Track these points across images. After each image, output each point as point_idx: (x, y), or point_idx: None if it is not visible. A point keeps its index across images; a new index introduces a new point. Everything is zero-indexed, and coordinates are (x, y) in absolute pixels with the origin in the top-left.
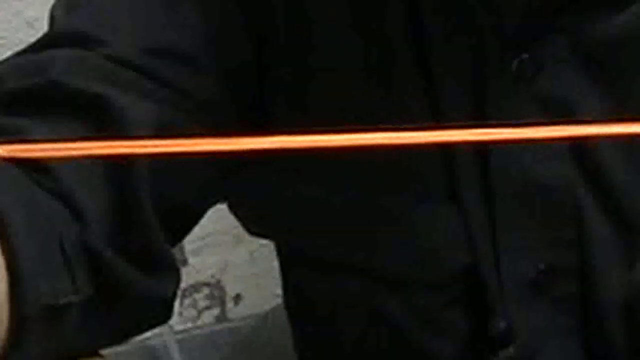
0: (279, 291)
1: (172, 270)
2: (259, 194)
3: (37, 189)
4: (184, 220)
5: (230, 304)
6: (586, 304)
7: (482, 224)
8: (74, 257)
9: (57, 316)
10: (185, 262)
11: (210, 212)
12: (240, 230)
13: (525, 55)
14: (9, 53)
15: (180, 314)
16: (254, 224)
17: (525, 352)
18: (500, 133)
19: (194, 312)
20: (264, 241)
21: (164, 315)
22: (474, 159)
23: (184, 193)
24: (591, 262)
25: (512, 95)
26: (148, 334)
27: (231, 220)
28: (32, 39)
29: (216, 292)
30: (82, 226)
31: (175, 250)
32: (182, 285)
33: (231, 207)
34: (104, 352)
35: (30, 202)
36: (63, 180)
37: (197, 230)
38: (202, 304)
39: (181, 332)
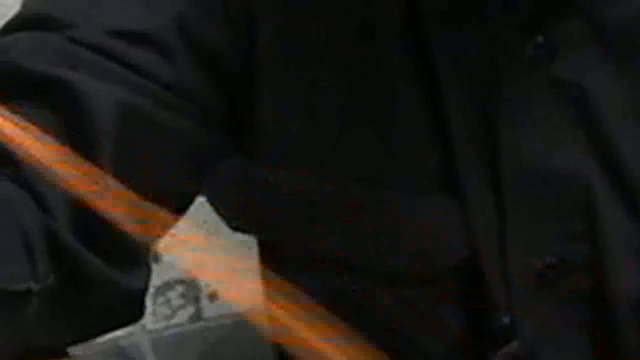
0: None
1: (141, 262)
2: (242, 187)
3: None
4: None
5: (205, 302)
6: (597, 300)
7: (487, 215)
8: (35, 244)
9: (15, 303)
10: (158, 258)
11: None
12: (216, 225)
13: (540, 38)
14: None
15: (154, 312)
16: (235, 219)
17: (530, 348)
18: None
19: (167, 311)
20: (241, 237)
21: (134, 311)
22: (480, 148)
23: (162, 186)
24: (603, 255)
25: (527, 80)
26: (119, 333)
27: (206, 215)
28: None
29: (191, 290)
30: (47, 214)
31: None
32: (156, 282)
33: (211, 202)
34: (74, 352)
35: None
36: (25, 169)
37: None
38: (176, 302)
39: (154, 331)
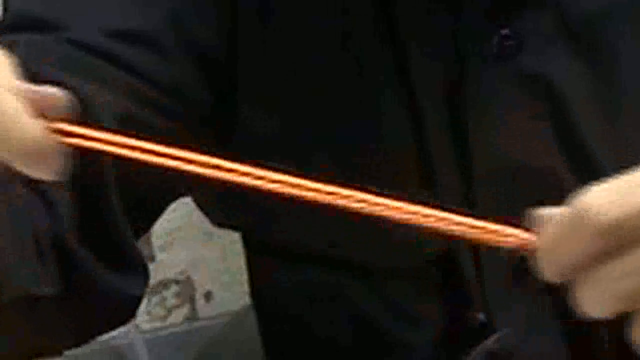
0: None
1: (141, 269)
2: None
3: (12, 177)
4: (147, 211)
5: (200, 302)
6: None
7: None
8: (46, 250)
9: (29, 308)
10: (153, 258)
11: (179, 206)
12: (210, 225)
13: (505, 31)
14: None
15: (148, 312)
16: (218, 214)
17: (506, 345)
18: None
19: (162, 311)
20: (236, 236)
21: (129, 315)
22: (451, 141)
23: (152, 184)
24: None
25: (493, 73)
26: (114, 333)
27: (201, 214)
28: None
29: (186, 289)
30: (54, 219)
31: (142, 246)
32: (150, 282)
33: (195, 198)
34: (69, 352)
35: (4, 190)
36: None
37: (165, 224)
38: (171, 302)
39: (149, 331)
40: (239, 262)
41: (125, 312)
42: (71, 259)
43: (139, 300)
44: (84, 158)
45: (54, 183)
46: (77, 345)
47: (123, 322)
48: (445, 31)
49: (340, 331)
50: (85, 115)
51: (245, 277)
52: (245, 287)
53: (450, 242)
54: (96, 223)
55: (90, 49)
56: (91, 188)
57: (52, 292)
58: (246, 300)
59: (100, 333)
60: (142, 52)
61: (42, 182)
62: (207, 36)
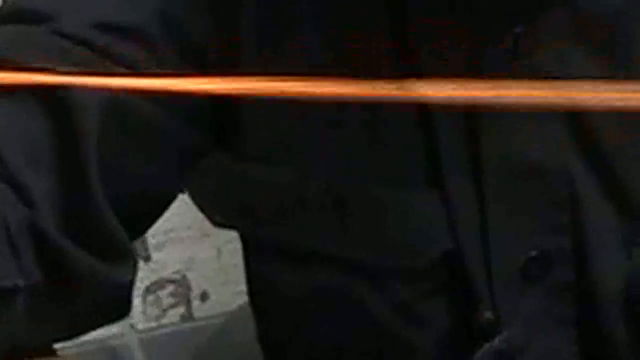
0: None
1: (127, 255)
2: (225, 180)
3: None
4: (146, 208)
5: (196, 302)
6: (581, 293)
7: (469, 209)
8: (20, 240)
9: (1, 300)
10: (148, 257)
11: (175, 205)
12: (206, 224)
13: (520, 29)
14: None
15: (143, 312)
16: (218, 214)
17: (514, 344)
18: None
19: (157, 311)
20: (232, 235)
21: (121, 306)
22: (463, 140)
23: (144, 179)
24: (587, 247)
25: (507, 72)
26: (109, 333)
27: (197, 213)
28: None
29: (181, 289)
30: (30, 208)
31: (137, 245)
32: (145, 282)
33: (194, 197)
34: (63, 352)
35: None
36: (9, 161)
37: (161, 224)
38: (167, 301)
39: (144, 331)
40: (235, 262)
41: (117, 302)
42: (49, 247)
43: (128, 291)
44: (63, 139)
45: (28, 170)
46: (70, 338)
47: (119, 315)
48: (458, 30)
49: (344, 332)
50: (70, 104)
51: (241, 277)
52: (241, 287)
53: (456, 244)
54: (76, 209)
55: (78, 40)
56: (71, 172)
57: (26, 284)
58: (242, 300)
59: (94, 326)
60: (130, 46)
61: (16, 168)
62: (200, 34)
